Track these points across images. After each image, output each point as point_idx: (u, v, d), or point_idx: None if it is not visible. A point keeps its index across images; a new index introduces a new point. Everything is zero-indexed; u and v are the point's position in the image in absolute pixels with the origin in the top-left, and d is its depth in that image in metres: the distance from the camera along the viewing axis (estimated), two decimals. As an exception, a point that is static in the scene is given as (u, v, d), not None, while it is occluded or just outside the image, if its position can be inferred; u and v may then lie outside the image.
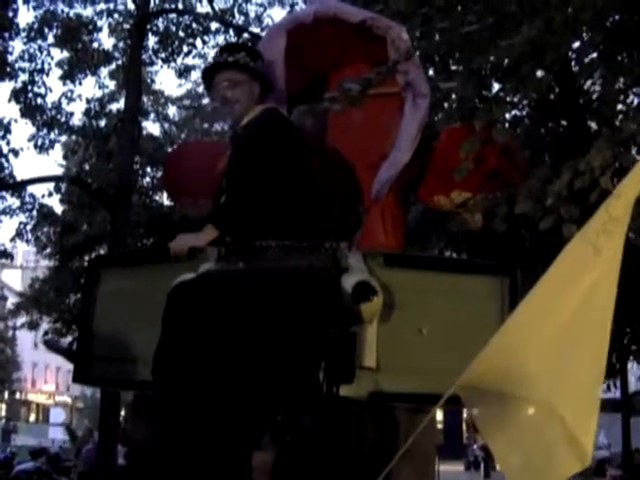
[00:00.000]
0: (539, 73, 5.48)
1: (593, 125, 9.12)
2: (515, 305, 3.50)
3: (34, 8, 17.19)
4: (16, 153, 16.97)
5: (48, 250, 21.06)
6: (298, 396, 3.05)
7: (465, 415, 49.62)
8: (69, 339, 20.94)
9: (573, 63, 7.47)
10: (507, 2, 4.53)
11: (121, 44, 18.87)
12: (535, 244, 7.01)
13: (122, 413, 16.40)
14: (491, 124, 4.42)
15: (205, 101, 21.31)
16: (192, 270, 3.36)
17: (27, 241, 19.44)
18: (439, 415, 39.20)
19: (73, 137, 19.51)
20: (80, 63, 17.93)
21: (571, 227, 4.42)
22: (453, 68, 7.93)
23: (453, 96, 6.22)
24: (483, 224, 4.55)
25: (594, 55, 6.12)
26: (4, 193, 17.58)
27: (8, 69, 16.62)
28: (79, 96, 18.59)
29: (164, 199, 20.27)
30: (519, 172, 4.58)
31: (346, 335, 3.25)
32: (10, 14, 16.01)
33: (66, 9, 17.64)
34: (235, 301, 3.05)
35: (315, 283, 3.20)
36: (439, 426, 41.75)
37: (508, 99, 6.30)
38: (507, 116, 7.27)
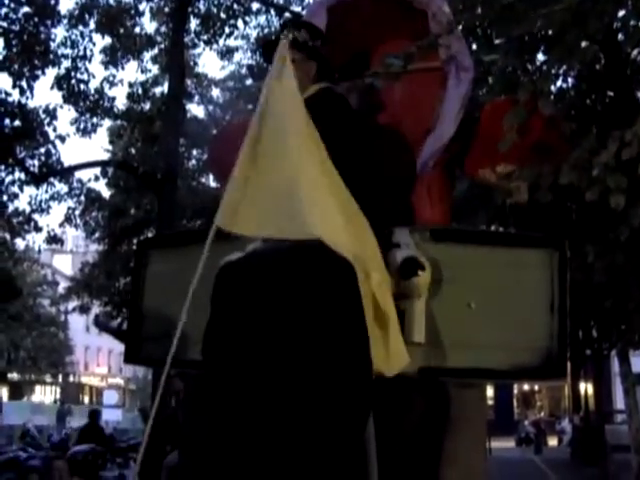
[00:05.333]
0: (583, 43, 5.40)
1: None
2: (565, 277, 3.48)
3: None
4: (62, 139, 17.18)
5: (97, 234, 21.33)
6: (350, 372, 3.05)
7: (516, 391, 49.47)
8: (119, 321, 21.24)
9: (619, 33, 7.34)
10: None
11: (163, 28, 18.96)
12: (581, 215, 6.93)
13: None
14: (536, 95, 4.36)
15: (249, 82, 21.32)
16: (239, 249, 3.36)
17: (76, 226, 19.72)
18: (490, 391, 39.13)
19: (118, 122, 19.69)
20: (122, 48, 18.05)
21: (618, 197, 4.36)
22: (496, 42, 7.85)
23: (496, 70, 6.15)
24: (529, 196, 4.51)
25: (640, 24, 6.01)
26: (52, 179, 17.80)
27: (51, 56, 16.78)
28: (121, 81, 18.78)
29: (210, 181, 20.40)
30: (565, 143, 4.53)
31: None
32: (52, 2, 16.14)
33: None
34: (283, 280, 3.05)
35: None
36: (490, 402, 41.68)
37: (553, 71, 6.21)
38: (552, 88, 7.18)
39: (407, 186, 4.01)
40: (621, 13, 5.88)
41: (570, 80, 8.32)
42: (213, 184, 18.88)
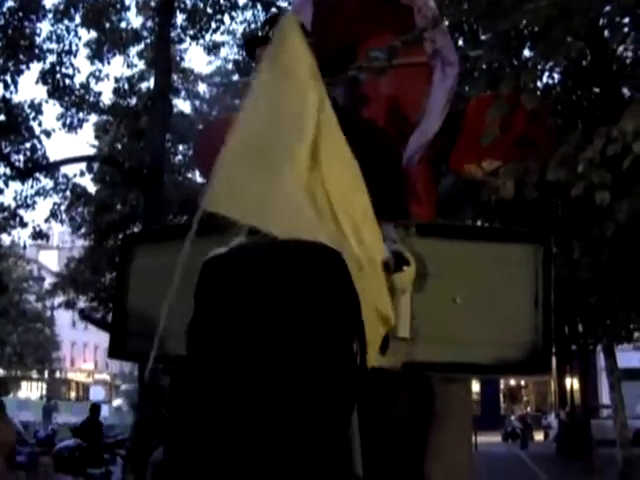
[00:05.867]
0: (569, 39, 5.41)
1: (626, 91, 9.00)
2: (549, 272, 3.49)
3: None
4: (48, 134, 17.12)
5: (83, 230, 21.27)
6: (333, 367, 3.04)
7: (502, 386, 49.65)
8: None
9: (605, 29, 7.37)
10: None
11: (149, 22, 18.91)
12: (567, 211, 6.97)
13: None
14: (519, 89, 4.37)
15: (235, 77, 21.30)
16: (224, 244, 3.35)
17: (62, 221, 19.68)
18: (476, 386, 39.26)
19: (104, 117, 19.62)
20: (108, 43, 17.99)
21: (603, 193, 4.38)
22: (482, 37, 7.87)
23: (483, 66, 6.17)
24: (515, 192, 4.52)
25: (626, 20, 6.04)
26: (37, 174, 17.73)
27: (36, 50, 16.70)
28: (107, 76, 18.70)
29: (196, 176, 20.37)
30: (549, 138, 4.53)
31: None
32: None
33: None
34: (268, 274, 3.05)
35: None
36: (476, 397, 41.81)
37: (539, 67, 6.23)
38: (538, 84, 7.21)
39: (393, 179, 4.02)
40: (607, 9, 5.90)
41: (556, 76, 8.35)
42: (199, 179, 18.84)
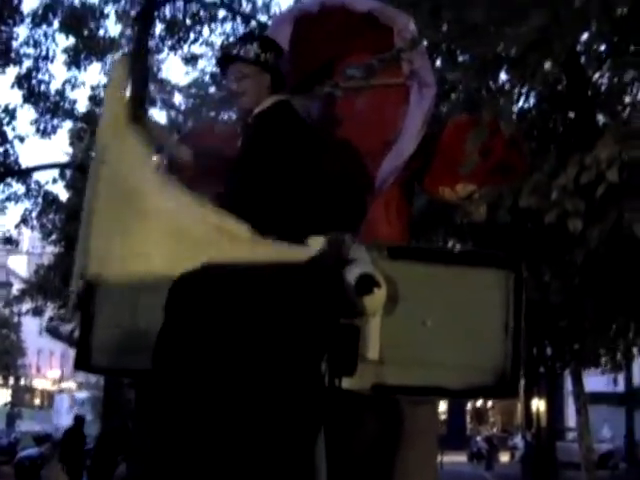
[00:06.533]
0: (546, 65, 5.44)
1: (601, 118, 9.07)
2: (520, 298, 3.50)
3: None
4: (21, 139, 17.01)
5: (54, 237, 21.09)
6: (301, 388, 3.02)
7: (469, 406, 49.74)
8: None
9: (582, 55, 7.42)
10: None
11: (127, 31, 18.85)
12: (539, 237, 7.00)
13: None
14: (498, 115, 4.39)
15: (212, 89, 21.27)
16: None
17: (32, 227, 19.51)
18: (443, 405, 39.30)
19: (78, 124, 19.51)
20: (85, 50, 17.90)
21: (576, 221, 4.39)
22: (460, 59, 7.90)
23: (460, 87, 6.19)
24: (487, 216, 4.52)
25: (602, 47, 6.07)
26: (10, 179, 17.59)
27: (12, 55, 16.59)
28: (83, 83, 18.60)
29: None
30: (524, 163, 4.54)
31: (349, 327, 3.23)
32: (15, 1, 15.95)
33: (72, -5, 17.58)
34: (237, 292, 3.04)
35: (318, 275, 3.18)
36: (442, 416, 41.84)
37: (515, 90, 6.25)
38: (514, 108, 7.24)
39: (360, 199, 4.04)
40: (584, 36, 5.94)
41: (531, 100, 8.39)
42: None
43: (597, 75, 8.92)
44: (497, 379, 3.46)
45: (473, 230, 7.76)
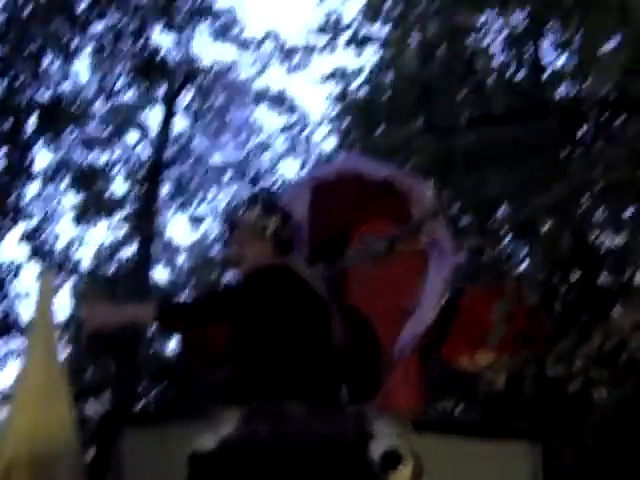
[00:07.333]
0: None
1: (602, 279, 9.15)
2: (550, 467, 3.38)
3: (51, 152, 17.44)
4: (24, 296, 16.97)
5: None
6: None
7: None
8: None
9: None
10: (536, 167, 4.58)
11: (134, 191, 19.15)
12: (563, 406, 6.88)
13: None
14: (520, 284, 4.39)
15: (214, 251, 21.39)
16: (211, 429, 3.25)
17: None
18: None
19: (82, 281, 19.55)
20: (93, 208, 18.13)
21: (600, 389, 4.32)
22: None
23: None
24: (508, 384, 4.46)
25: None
26: (9, 336, 17.47)
27: (21, 211, 16.77)
28: (90, 240, 18.75)
29: (168, 347, 20.15)
30: (545, 332, 4.51)
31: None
32: (28, 161, 16.27)
33: (82, 156, 17.92)
34: (259, 474, 2.94)
35: (341, 452, 3.07)
36: None
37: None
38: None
39: (374, 367, 3.95)
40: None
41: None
42: (169, 350, 18.66)
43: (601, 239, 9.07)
44: None
45: (491, 399, 7.64)
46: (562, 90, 8.58)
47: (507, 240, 7.18)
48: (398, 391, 4.17)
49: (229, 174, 18.72)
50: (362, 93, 13.02)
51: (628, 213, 7.66)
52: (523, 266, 8.49)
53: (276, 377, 3.31)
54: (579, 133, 7.26)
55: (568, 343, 4.50)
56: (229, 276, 19.33)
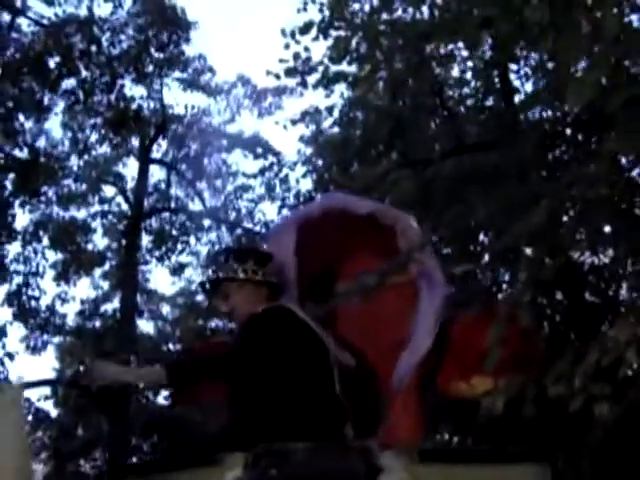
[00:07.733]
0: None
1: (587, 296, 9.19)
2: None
3: (30, 211, 17.39)
4: (11, 357, 16.80)
5: (42, 455, 20.51)
6: None
7: None
8: None
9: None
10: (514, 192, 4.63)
11: (114, 244, 19.10)
12: (563, 426, 6.88)
13: None
14: (514, 307, 4.41)
15: (199, 298, 21.29)
16: (216, 476, 3.24)
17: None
18: None
19: (68, 338, 19.41)
20: (74, 264, 18.05)
21: (602, 405, 4.33)
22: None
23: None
24: (507, 409, 4.45)
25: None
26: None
27: (3, 272, 16.67)
28: (72, 297, 18.63)
29: (160, 398, 19.99)
30: (539, 353, 4.52)
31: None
32: (9, 219, 16.20)
33: (61, 212, 17.88)
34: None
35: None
36: None
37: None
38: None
39: (374, 404, 3.95)
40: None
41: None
42: (162, 401, 18.51)
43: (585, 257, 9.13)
44: None
45: (490, 425, 7.62)
46: (535, 112, 8.68)
47: (491, 265, 7.22)
48: (398, 423, 4.16)
49: (208, 221, 18.70)
50: (334, 132, 13.15)
51: (608, 230, 7.76)
52: (510, 290, 8.57)
53: (281, 420, 3.32)
54: (556, 153, 7.36)
55: (565, 362, 4.51)
56: (214, 323, 19.35)
